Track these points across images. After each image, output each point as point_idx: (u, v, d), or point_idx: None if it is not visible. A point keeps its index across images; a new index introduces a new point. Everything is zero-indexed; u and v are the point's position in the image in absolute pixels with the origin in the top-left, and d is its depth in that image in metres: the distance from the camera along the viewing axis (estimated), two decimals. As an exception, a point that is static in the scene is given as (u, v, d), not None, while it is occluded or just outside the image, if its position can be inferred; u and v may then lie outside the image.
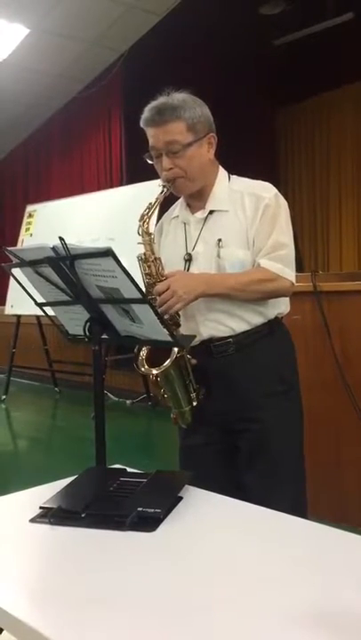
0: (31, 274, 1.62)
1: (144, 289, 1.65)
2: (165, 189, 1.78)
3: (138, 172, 5.49)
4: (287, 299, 1.88)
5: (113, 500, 1.35)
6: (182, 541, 1.20)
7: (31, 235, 7.08)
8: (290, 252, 1.78)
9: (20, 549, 1.21)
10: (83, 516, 1.27)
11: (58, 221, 6.53)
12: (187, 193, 1.85)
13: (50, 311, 1.74)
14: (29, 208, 7.39)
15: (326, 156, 8.98)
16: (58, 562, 1.16)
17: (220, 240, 1.78)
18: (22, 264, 1.61)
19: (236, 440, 1.83)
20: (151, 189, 2.15)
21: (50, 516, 1.28)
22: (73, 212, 6.61)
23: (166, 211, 1.98)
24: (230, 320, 1.79)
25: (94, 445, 1.59)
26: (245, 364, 1.80)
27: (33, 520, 1.29)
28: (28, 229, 7.22)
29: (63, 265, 1.50)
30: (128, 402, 6.40)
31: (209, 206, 1.83)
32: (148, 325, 1.52)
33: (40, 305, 1.73)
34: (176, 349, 1.69)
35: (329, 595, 0.98)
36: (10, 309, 6.84)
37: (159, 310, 1.60)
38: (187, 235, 1.86)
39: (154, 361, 1.74)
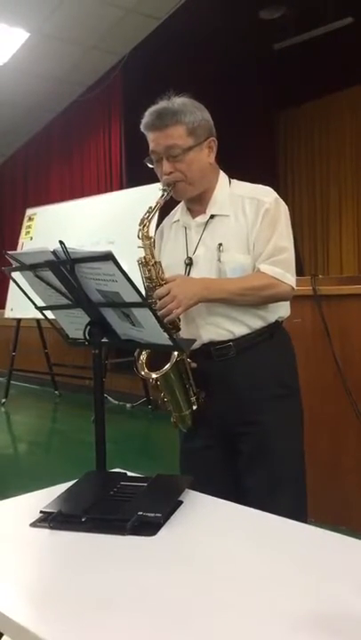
0: (31, 277, 1.62)
1: (144, 293, 1.66)
2: (166, 193, 1.78)
3: (138, 175, 5.51)
4: (288, 302, 1.88)
5: (113, 504, 1.35)
6: (183, 546, 1.20)
7: (31, 238, 7.09)
8: (290, 256, 1.78)
9: (21, 554, 1.21)
10: (83, 520, 1.27)
11: (58, 225, 6.54)
12: (187, 197, 1.85)
13: (50, 315, 1.74)
14: (29, 211, 7.40)
15: (326, 159, 8.99)
16: (58, 566, 1.15)
17: (220, 244, 1.78)
18: (22, 268, 1.61)
19: (237, 443, 1.83)
20: (151, 193, 2.16)
21: (50, 520, 1.28)
22: (73, 216, 6.62)
23: (167, 215, 1.98)
24: (231, 324, 1.79)
25: (94, 449, 1.59)
26: (246, 368, 1.80)
27: (33, 524, 1.29)
28: (28, 233, 7.23)
29: (63, 269, 1.49)
30: (128, 405, 6.39)
31: (210, 211, 1.83)
32: (148, 329, 1.52)
33: (40, 309, 1.73)
34: (176, 353, 1.69)
35: (328, 599, 0.98)
36: (10, 313, 6.84)
37: (159, 314, 1.60)
38: (187, 239, 1.86)
39: (154, 364, 1.74)
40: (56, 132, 8.66)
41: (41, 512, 1.31)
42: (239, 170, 2.03)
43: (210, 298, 1.73)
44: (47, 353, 7.11)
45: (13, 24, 6.32)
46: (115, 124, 7.68)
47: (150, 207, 1.77)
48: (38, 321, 6.76)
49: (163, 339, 1.51)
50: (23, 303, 1.83)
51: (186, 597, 1.00)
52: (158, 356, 1.73)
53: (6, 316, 6.92)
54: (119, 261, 1.41)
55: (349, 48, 7.20)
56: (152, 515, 1.25)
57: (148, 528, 1.23)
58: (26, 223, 7.31)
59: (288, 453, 1.83)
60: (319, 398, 2.88)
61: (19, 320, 6.79)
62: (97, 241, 5.88)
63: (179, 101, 1.76)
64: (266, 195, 1.80)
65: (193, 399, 1.80)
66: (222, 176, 1.87)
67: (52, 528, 1.26)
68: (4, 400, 6.82)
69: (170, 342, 1.52)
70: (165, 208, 1.85)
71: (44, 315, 1.74)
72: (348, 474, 2.93)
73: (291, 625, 0.90)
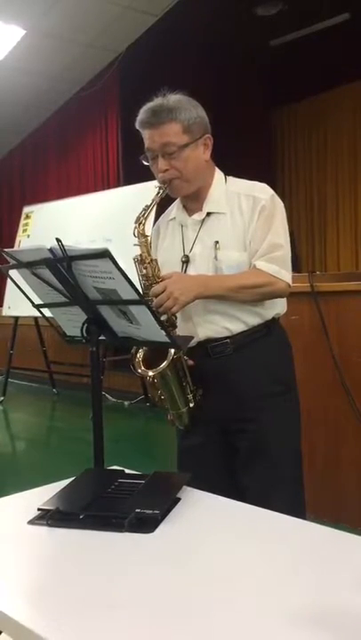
0: (28, 275, 1.62)
1: (141, 290, 1.65)
2: (161, 191, 1.78)
3: (134, 172, 5.50)
4: (284, 299, 1.88)
5: (111, 501, 1.35)
6: (181, 542, 1.20)
7: (28, 236, 7.08)
8: (286, 253, 1.78)
9: (19, 551, 1.21)
10: (81, 517, 1.27)
11: (55, 223, 6.52)
12: (183, 194, 1.85)
13: (47, 312, 1.74)
14: (26, 209, 7.39)
15: (323, 155, 8.99)
16: (56, 564, 1.15)
17: (217, 242, 1.78)
18: (19, 265, 1.61)
19: (235, 441, 1.83)
20: (148, 190, 2.15)
21: (48, 517, 1.28)
22: (70, 214, 6.61)
23: (163, 212, 1.98)
24: (227, 321, 1.79)
25: (92, 446, 1.59)
26: (243, 365, 1.80)
27: (31, 522, 1.29)
28: (25, 231, 7.22)
29: (60, 266, 1.49)
30: (126, 403, 6.39)
31: (206, 208, 1.83)
32: (146, 326, 1.52)
33: (38, 306, 1.73)
34: (173, 350, 1.69)
35: (327, 595, 0.99)
36: (7, 311, 6.83)
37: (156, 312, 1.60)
38: (184, 237, 1.86)
39: (151, 362, 1.74)
40: (53, 130, 8.64)
41: (39, 509, 1.31)
42: (236, 167, 2.03)
43: (206, 294, 1.73)
44: (45, 351, 7.11)
45: (9, 21, 6.30)
46: (111, 122, 7.66)
47: (146, 205, 1.77)
48: (36, 319, 6.75)
49: (160, 336, 1.51)
50: (21, 301, 1.83)
51: (185, 594, 1.00)
52: (155, 353, 1.73)
53: (4, 314, 6.92)
54: (116, 259, 1.40)
55: (346, 44, 7.20)
56: (150, 512, 1.25)
57: (146, 525, 1.23)
58: (23, 221, 7.30)
59: (286, 450, 1.83)
60: (317, 395, 2.88)
61: (16, 318, 6.79)
62: (94, 239, 5.87)
63: (174, 98, 1.76)
64: (262, 192, 1.80)
65: (190, 397, 1.80)
66: (218, 173, 1.87)
67: (49, 525, 1.26)
68: (2, 398, 6.81)
69: (167, 339, 1.52)
70: (162, 205, 1.85)
71: (41, 313, 1.74)
72: (346, 470, 2.93)
73: (290, 621, 0.90)
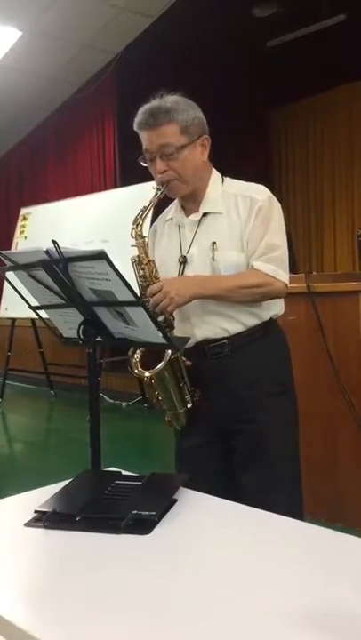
0: (25, 277, 1.62)
1: (138, 291, 1.66)
2: (159, 192, 1.78)
3: (132, 173, 5.50)
4: (282, 300, 1.88)
5: (108, 503, 1.35)
6: (178, 544, 1.20)
7: (25, 237, 7.08)
8: (283, 253, 1.79)
9: (15, 554, 1.21)
10: (78, 519, 1.27)
11: (52, 224, 6.53)
12: (180, 195, 1.85)
13: (44, 314, 1.73)
14: (24, 211, 7.39)
15: (320, 156, 9.00)
16: (53, 566, 1.15)
17: (214, 243, 1.78)
18: (16, 267, 1.60)
19: (232, 441, 1.83)
20: (145, 191, 2.15)
21: (45, 519, 1.28)
22: (67, 215, 6.61)
23: (161, 213, 1.98)
24: (225, 322, 1.79)
25: (90, 448, 1.59)
26: (240, 366, 1.80)
27: (28, 524, 1.29)
28: (22, 232, 7.22)
29: (57, 268, 1.49)
30: (124, 404, 6.39)
31: (203, 209, 1.83)
32: (142, 328, 1.52)
33: (34, 308, 1.73)
34: (170, 351, 1.69)
35: (325, 595, 0.98)
36: (4, 312, 6.83)
37: (151, 311, 1.60)
38: (181, 237, 1.86)
39: (148, 363, 1.74)
40: (50, 131, 8.63)
41: (36, 511, 1.31)
42: (233, 167, 2.03)
43: (203, 295, 1.73)
44: (42, 352, 7.10)
45: (5, 22, 6.30)
46: (108, 123, 7.66)
47: (144, 207, 1.77)
48: (33, 320, 6.74)
49: (157, 337, 1.51)
50: (18, 303, 1.83)
51: (181, 595, 1.00)
52: (153, 354, 1.73)
53: (1, 315, 6.91)
54: (113, 260, 1.40)
55: (343, 45, 7.20)
56: (147, 513, 1.25)
57: (143, 526, 1.23)
58: (20, 222, 7.30)
59: (283, 451, 1.83)
60: (314, 395, 2.88)
61: (13, 320, 6.78)
62: (91, 240, 5.87)
63: (171, 100, 1.76)
64: (259, 193, 1.80)
65: (188, 397, 1.80)
66: (215, 174, 1.87)
67: (46, 527, 1.26)
68: (-1, 400, 6.82)
69: (164, 340, 1.52)
70: (160, 206, 1.85)
71: (37, 314, 1.74)
72: (342, 470, 2.93)
73: (288, 622, 0.90)
